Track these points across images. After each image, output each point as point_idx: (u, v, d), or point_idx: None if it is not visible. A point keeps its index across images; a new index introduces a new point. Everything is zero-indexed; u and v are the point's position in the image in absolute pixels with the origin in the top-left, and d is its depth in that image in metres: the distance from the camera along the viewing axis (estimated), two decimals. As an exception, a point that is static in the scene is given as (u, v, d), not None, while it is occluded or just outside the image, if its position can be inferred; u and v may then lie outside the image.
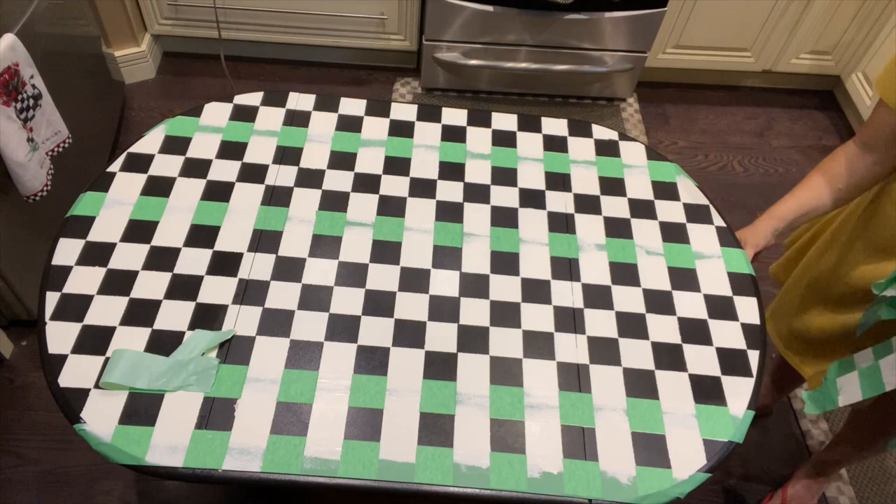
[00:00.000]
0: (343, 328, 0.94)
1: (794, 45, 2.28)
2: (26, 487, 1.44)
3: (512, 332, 0.96)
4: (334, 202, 1.09)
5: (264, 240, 1.03)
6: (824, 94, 2.54)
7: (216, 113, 1.20)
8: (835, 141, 2.39)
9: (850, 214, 1.08)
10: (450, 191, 1.13)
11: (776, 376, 1.57)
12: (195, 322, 0.92)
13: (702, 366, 0.94)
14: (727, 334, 0.98)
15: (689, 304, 1.01)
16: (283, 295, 0.97)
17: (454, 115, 1.25)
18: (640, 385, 0.92)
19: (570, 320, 0.98)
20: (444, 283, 1.00)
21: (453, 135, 1.22)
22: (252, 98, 1.23)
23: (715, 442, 0.87)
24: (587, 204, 1.13)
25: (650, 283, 1.03)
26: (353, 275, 1.00)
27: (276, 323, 0.94)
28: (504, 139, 1.22)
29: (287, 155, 1.15)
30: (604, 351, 0.95)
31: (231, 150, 1.14)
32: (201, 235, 1.02)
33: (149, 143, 1.14)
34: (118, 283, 0.95)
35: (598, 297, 1.01)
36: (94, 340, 0.89)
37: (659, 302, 1.01)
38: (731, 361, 0.95)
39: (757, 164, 2.30)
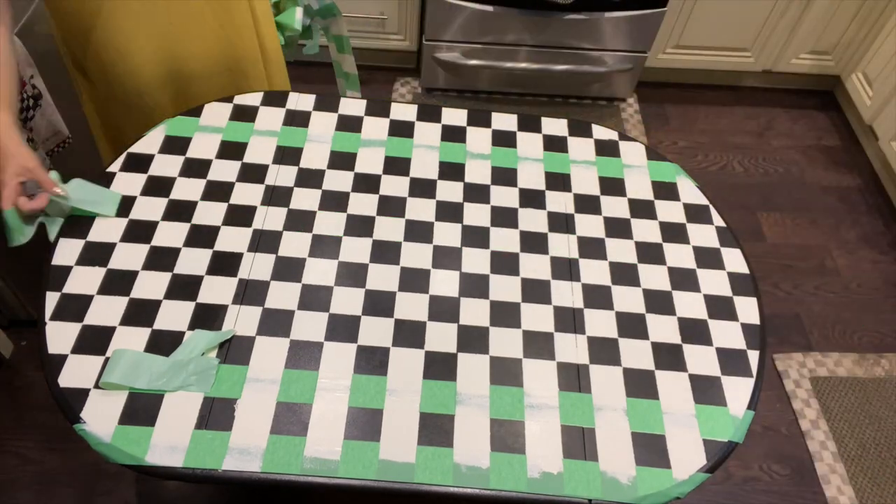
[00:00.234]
0: (343, 328, 0.94)
1: (794, 45, 2.28)
2: (26, 487, 1.44)
3: (512, 333, 0.96)
4: (334, 202, 1.09)
5: (264, 240, 1.03)
6: (824, 94, 2.54)
7: (216, 113, 1.20)
8: (835, 141, 2.40)
9: None
10: (450, 191, 1.13)
11: None
12: (195, 322, 0.92)
13: (702, 366, 0.94)
14: (727, 334, 0.98)
15: (689, 305, 1.01)
16: (283, 295, 0.97)
17: (454, 115, 1.25)
18: (640, 385, 0.92)
19: (570, 320, 0.98)
20: (444, 283, 1.00)
21: (453, 135, 1.22)
22: (252, 98, 1.23)
23: (715, 442, 0.87)
24: (587, 204, 1.13)
25: (650, 284, 1.03)
26: (352, 275, 1.00)
27: (276, 323, 0.94)
28: (504, 139, 1.22)
29: (287, 155, 1.15)
30: (604, 351, 0.95)
31: (231, 150, 1.14)
32: (201, 235, 1.02)
33: (149, 143, 1.14)
34: (118, 283, 0.95)
35: (598, 297, 1.01)
36: (94, 340, 0.89)
37: (659, 302, 1.01)
38: (731, 362, 0.95)
39: (757, 164, 2.30)
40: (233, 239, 1.02)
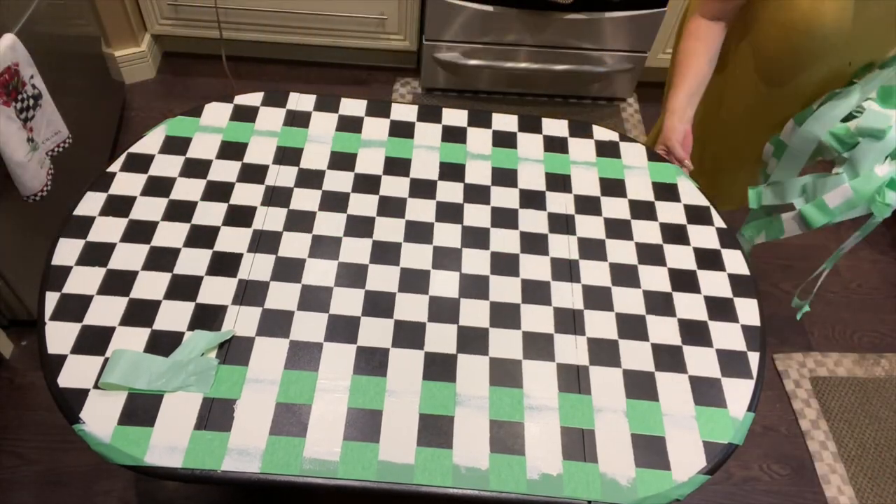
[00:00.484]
0: (343, 329, 0.94)
1: (795, 45, 2.27)
2: (26, 487, 1.44)
3: (512, 334, 0.96)
4: (334, 202, 1.09)
5: (264, 240, 1.03)
6: (825, 94, 2.53)
7: (216, 113, 1.20)
8: (835, 141, 2.39)
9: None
10: (450, 191, 1.13)
11: None
12: (195, 322, 0.92)
13: (702, 367, 0.94)
14: (727, 336, 0.98)
15: (690, 306, 1.01)
16: (282, 295, 0.97)
17: (454, 116, 1.25)
18: (640, 386, 0.92)
19: (569, 321, 0.98)
20: (444, 283, 1.00)
21: (453, 135, 1.22)
22: (252, 98, 1.23)
23: (715, 444, 0.87)
24: (587, 205, 1.13)
25: (650, 285, 1.03)
26: (352, 275, 1.00)
27: (275, 323, 0.94)
28: (504, 140, 1.22)
29: (287, 155, 1.15)
30: (604, 352, 0.95)
31: (231, 150, 1.14)
32: (201, 235, 1.02)
33: (149, 143, 1.14)
34: (118, 283, 0.95)
35: (598, 298, 1.01)
36: (94, 340, 0.89)
37: (659, 303, 1.01)
38: (732, 363, 0.95)
39: (757, 164, 2.29)
40: (233, 239, 1.02)
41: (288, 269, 0.99)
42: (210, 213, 1.05)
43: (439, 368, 0.91)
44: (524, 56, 2.23)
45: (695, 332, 0.98)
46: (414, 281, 1.00)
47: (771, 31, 1.13)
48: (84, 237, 1.00)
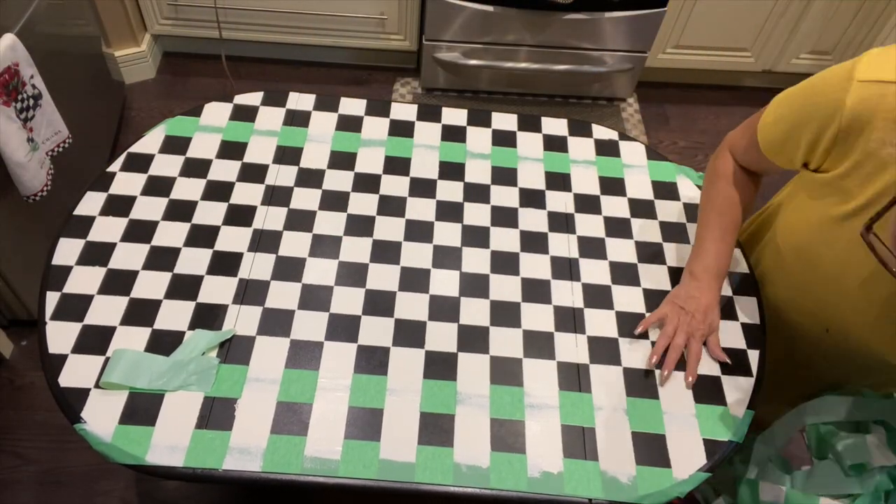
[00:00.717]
0: (343, 328, 0.94)
1: (795, 45, 2.28)
2: (26, 487, 1.44)
3: (512, 332, 0.96)
4: (334, 202, 1.09)
5: (264, 240, 1.03)
6: (824, 93, 2.53)
7: (216, 113, 1.20)
8: (835, 141, 2.39)
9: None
10: (450, 190, 1.13)
11: None
12: (195, 322, 0.92)
13: (702, 365, 0.94)
14: (727, 334, 0.98)
15: (690, 304, 1.01)
16: (283, 295, 0.97)
17: (454, 115, 1.25)
18: (641, 385, 0.92)
19: (570, 320, 0.98)
20: (444, 282, 1.00)
21: (453, 135, 1.22)
22: (252, 98, 1.23)
23: (715, 441, 0.87)
24: (587, 203, 1.13)
25: (650, 283, 1.03)
26: (353, 274, 1.00)
27: (276, 323, 0.94)
28: (504, 139, 1.22)
29: (287, 155, 1.15)
30: (604, 350, 0.95)
31: (231, 149, 1.14)
32: (201, 235, 1.02)
33: (149, 143, 1.14)
34: (118, 283, 0.95)
35: (598, 296, 1.01)
36: (95, 340, 0.89)
37: (659, 302, 1.01)
38: (732, 361, 0.95)
39: (757, 163, 2.29)
40: (233, 239, 1.02)
41: (288, 269, 1.00)
42: (210, 213, 1.05)
43: (440, 367, 0.91)
44: (524, 56, 2.23)
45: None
46: (414, 280, 1.00)
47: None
48: (84, 237, 1.00)
